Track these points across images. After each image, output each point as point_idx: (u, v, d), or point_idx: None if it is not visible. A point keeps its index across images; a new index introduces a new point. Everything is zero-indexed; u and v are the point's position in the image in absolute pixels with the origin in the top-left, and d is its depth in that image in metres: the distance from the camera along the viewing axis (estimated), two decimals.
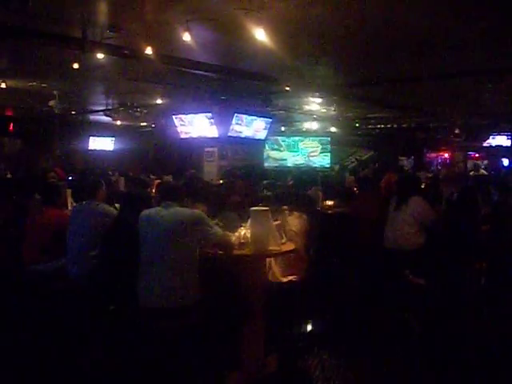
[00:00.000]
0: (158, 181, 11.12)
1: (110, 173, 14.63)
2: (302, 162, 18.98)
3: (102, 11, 6.29)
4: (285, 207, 5.34)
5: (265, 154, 17.78)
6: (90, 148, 19.95)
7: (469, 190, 7.46)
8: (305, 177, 9.42)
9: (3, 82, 10.27)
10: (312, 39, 7.35)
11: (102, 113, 16.17)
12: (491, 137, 18.72)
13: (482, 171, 16.53)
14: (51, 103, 12.89)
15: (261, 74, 9.80)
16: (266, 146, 17.42)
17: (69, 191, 7.44)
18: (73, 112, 16.14)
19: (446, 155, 21.08)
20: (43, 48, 7.70)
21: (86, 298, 4.85)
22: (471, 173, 15.93)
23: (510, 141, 18.36)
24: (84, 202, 5.52)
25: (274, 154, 18.53)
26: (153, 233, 4.04)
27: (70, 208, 6.84)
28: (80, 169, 15.66)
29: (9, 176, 13.74)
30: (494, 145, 18.92)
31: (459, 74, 9.45)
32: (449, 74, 9.61)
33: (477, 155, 20.61)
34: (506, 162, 18.48)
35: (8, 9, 5.72)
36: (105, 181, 6.13)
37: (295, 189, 7.39)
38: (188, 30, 6.36)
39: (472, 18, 6.32)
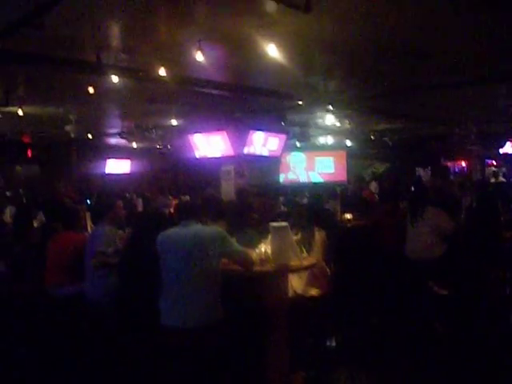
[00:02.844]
0: (176, 201, 11.16)
1: (128, 195, 14.72)
2: (319, 177, 18.98)
3: (115, 34, 6.37)
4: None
5: (284, 170, 17.81)
6: (106, 171, 20.09)
7: (488, 197, 7.39)
8: (320, 192, 9.39)
9: (20, 108, 10.38)
10: (323, 53, 7.37)
11: (117, 135, 16.28)
12: (508, 143, 18.55)
13: (501, 179, 16.37)
14: (68, 128, 13.01)
15: (274, 91, 9.83)
16: (288, 159, 17.50)
17: (88, 214, 7.50)
18: (89, 136, 16.27)
19: (463, 163, 20.91)
20: (58, 73, 7.79)
21: (105, 319, 4.86)
22: (492, 180, 15.78)
23: None
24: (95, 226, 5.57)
25: (293, 168, 18.60)
26: (174, 252, 4.02)
27: (89, 231, 6.89)
28: (97, 192, 15.76)
29: (24, 201, 13.84)
30: (511, 152, 18.74)
31: (473, 81, 9.40)
32: (462, 82, 9.56)
33: (494, 163, 20.42)
34: None
35: (23, 35, 5.80)
36: (124, 202, 6.15)
37: (311, 204, 7.35)
38: (200, 49, 6.40)
39: (484, 25, 6.30)
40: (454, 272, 6.05)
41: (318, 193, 8.59)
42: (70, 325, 5.19)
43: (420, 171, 19.71)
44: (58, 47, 6.65)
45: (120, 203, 5.82)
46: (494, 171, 17.76)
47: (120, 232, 5.51)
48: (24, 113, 10.68)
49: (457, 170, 20.98)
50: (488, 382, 4.78)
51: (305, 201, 9.52)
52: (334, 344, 5.52)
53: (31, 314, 5.52)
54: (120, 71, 7.41)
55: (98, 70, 7.05)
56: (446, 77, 9.11)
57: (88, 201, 12.33)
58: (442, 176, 11.90)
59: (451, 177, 18.30)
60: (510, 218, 7.11)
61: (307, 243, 5.12)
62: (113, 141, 17.84)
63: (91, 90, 8.31)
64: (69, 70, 7.42)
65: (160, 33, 6.23)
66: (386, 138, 18.28)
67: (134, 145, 17.90)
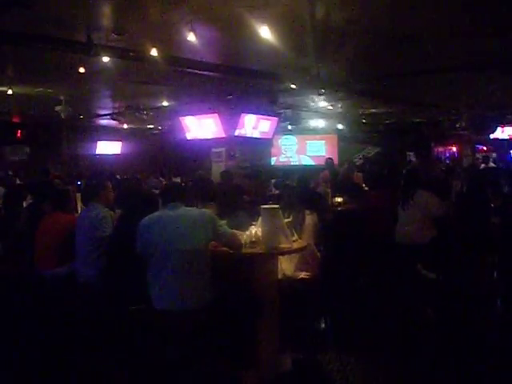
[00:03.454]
0: (167, 183, 11.15)
1: (118, 176, 14.69)
2: (310, 159, 19.04)
3: (107, 14, 6.30)
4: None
5: (275, 152, 17.86)
6: (97, 152, 20.02)
7: (478, 182, 7.43)
8: (308, 175, 9.41)
9: (9, 88, 10.29)
10: (317, 36, 7.32)
11: (108, 117, 16.19)
12: (499, 129, 18.61)
13: (492, 164, 16.45)
14: (58, 108, 12.91)
15: (266, 73, 9.78)
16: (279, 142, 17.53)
17: (78, 195, 7.48)
18: (80, 117, 16.16)
19: (454, 149, 21.00)
20: (48, 53, 7.71)
21: (97, 301, 4.86)
22: (481, 166, 15.85)
23: None
24: (87, 206, 5.53)
25: (284, 151, 18.66)
26: (162, 235, 4.00)
27: (80, 212, 6.87)
28: (88, 173, 15.72)
29: (18, 182, 13.80)
30: (501, 137, 18.82)
31: (464, 66, 9.40)
32: (454, 67, 9.56)
33: (485, 148, 20.50)
34: None
35: (13, 14, 5.74)
36: (114, 183, 6.13)
37: (298, 187, 7.35)
38: (192, 30, 6.36)
39: (476, 9, 6.29)
40: (443, 256, 6.09)
41: (306, 175, 8.60)
42: (61, 306, 5.18)
43: (412, 156, 19.72)
44: (49, 27, 6.58)
45: (109, 184, 5.79)
46: (484, 156, 17.83)
47: (111, 213, 5.50)
48: (14, 93, 10.59)
49: (448, 155, 21.06)
50: (476, 364, 4.83)
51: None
52: (322, 326, 5.55)
53: (22, 295, 5.51)
54: (111, 51, 7.34)
55: (88, 50, 6.99)
56: (438, 62, 9.10)
57: (78, 182, 12.30)
58: (422, 156, 11.91)
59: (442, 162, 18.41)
60: (499, 204, 7.14)
61: (298, 226, 5.14)
62: (104, 122, 17.76)
63: (82, 70, 8.25)
64: (59, 49, 7.33)
65: (152, 13, 6.17)
66: (376, 123, 18.31)
67: (125, 126, 17.82)
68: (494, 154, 19.08)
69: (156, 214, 4.21)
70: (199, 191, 6.20)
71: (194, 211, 4.19)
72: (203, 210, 4.37)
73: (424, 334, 5.53)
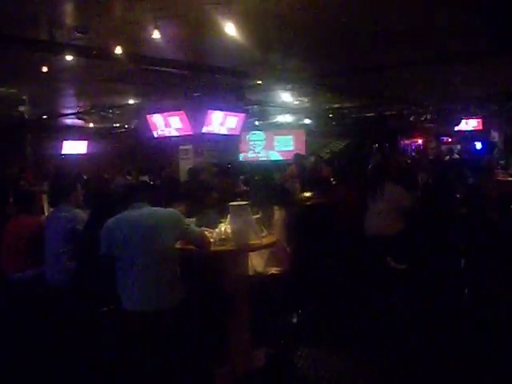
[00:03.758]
0: (135, 181, 11.05)
1: (85, 176, 14.50)
2: (278, 154, 19.09)
3: (69, 12, 6.23)
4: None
5: (243, 149, 17.87)
6: (63, 152, 19.75)
7: (443, 174, 7.54)
8: (260, 170, 9.48)
9: None
10: (282, 32, 7.35)
11: (73, 116, 15.99)
12: (463, 121, 18.93)
13: (456, 155, 16.70)
14: (21, 108, 12.72)
15: (232, 69, 9.78)
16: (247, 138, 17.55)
17: (45, 196, 7.36)
18: (44, 116, 15.93)
19: (420, 141, 21.27)
20: (10, 51, 7.58)
21: (66, 304, 4.81)
22: (446, 157, 16.09)
23: (481, 124, 18.58)
24: (56, 208, 5.44)
25: (252, 147, 18.68)
26: (129, 236, 3.94)
27: (46, 214, 6.77)
28: (53, 174, 15.49)
29: None
30: (465, 129, 19.13)
31: (429, 59, 9.52)
32: (419, 61, 9.67)
33: (450, 140, 20.81)
34: (478, 145, 18.68)
35: None
36: (81, 183, 6.06)
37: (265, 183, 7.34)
38: (157, 27, 6.32)
39: (437, 4, 6.38)
40: (412, 247, 6.17)
41: (270, 171, 8.62)
42: (30, 310, 5.11)
43: (378, 149, 19.93)
44: (10, 25, 6.47)
45: (78, 185, 5.73)
46: (448, 148, 18.13)
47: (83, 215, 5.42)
48: None
49: (413, 147, 21.32)
50: (445, 354, 4.91)
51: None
52: (294, 321, 5.58)
53: None
54: (74, 50, 7.26)
55: (51, 49, 6.89)
56: (402, 56, 9.20)
57: (45, 183, 12.11)
58: (388, 149, 12.08)
59: (408, 154, 18.65)
60: (465, 194, 7.27)
61: (267, 222, 5.14)
62: (69, 121, 17.53)
63: (45, 69, 8.13)
64: (22, 48, 7.22)
65: (116, 11, 6.12)
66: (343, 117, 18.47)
67: (91, 125, 17.63)
68: (459, 146, 19.37)
69: (121, 215, 4.14)
70: (167, 190, 6.16)
71: (160, 211, 4.13)
72: (170, 209, 4.30)
73: (396, 326, 5.60)
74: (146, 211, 4.02)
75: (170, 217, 4.06)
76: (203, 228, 4.52)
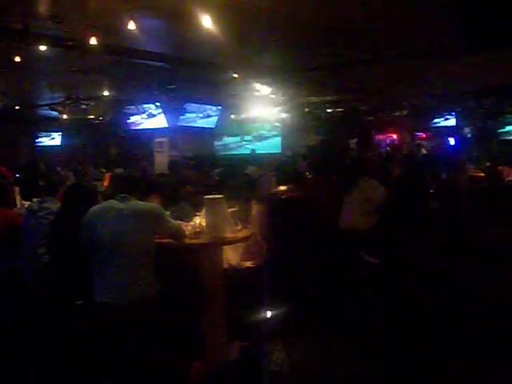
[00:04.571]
0: (109, 174, 10.99)
1: (59, 168, 14.35)
2: (253, 147, 19.08)
3: (44, 1, 6.12)
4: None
5: (219, 142, 17.83)
6: (36, 144, 19.52)
7: (414, 168, 7.63)
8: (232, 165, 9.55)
9: None
10: (258, 26, 7.34)
11: (47, 107, 15.80)
12: (438, 117, 19.12)
13: (423, 151, 16.86)
14: None
15: (208, 62, 9.75)
16: (219, 133, 17.50)
17: (17, 189, 7.27)
18: (17, 107, 15.70)
19: (394, 136, 21.43)
20: None
21: (42, 297, 4.77)
22: (422, 152, 16.27)
23: (455, 120, 18.79)
24: (37, 200, 5.37)
25: (228, 140, 18.62)
26: (110, 227, 3.93)
27: (19, 206, 6.70)
28: (26, 165, 15.29)
29: None
30: (440, 125, 19.32)
31: (405, 55, 9.60)
32: (395, 56, 9.76)
33: (424, 136, 21.00)
34: (452, 141, 18.88)
35: None
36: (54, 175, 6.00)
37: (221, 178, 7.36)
38: (133, 18, 6.27)
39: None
40: (385, 241, 6.24)
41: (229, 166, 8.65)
42: (3, 303, 5.06)
43: (353, 144, 20.04)
44: None
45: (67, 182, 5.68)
46: (417, 144, 18.36)
47: None
48: None
49: (388, 142, 21.48)
50: (416, 348, 4.98)
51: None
52: (268, 315, 5.60)
53: None
54: (48, 40, 7.16)
55: (25, 39, 6.79)
56: (378, 50, 9.26)
57: (17, 175, 11.95)
58: (363, 144, 12.18)
59: (382, 149, 18.81)
60: (437, 189, 7.36)
61: (244, 216, 5.15)
62: (42, 112, 17.31)
63: (18, 59, 8.01)
64: None
65: (91, 0, 6.04)
66: (318, 111, 18.52)
67: (65, 117, 17.42)
68: (428, 143, 19.56)
69: (102, 205, 4.13)
70: (141, 182, 6.13)
71: (144, 205, 4.10)
72: (151, 203, 4.30)
73: (367, 319, 5.65)
74: (129, 204, 4.00)
75: (152, 211, 4.06)
76: (178, 221, 4.52)
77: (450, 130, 18.87)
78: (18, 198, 7.06)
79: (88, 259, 4.00)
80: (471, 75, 11.97)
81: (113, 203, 4.05)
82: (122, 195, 4.05)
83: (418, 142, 19.31)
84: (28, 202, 6.22)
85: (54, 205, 5.13)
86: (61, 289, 4.49)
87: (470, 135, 19.07)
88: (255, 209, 5.38)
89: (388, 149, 19.09)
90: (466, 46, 8.04)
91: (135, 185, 4.30)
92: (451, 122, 18.89)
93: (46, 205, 5.18)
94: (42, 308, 4.74)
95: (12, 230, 5.20)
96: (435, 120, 19.24)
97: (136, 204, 4.05)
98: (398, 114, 18.54)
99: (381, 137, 21.65)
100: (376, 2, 6.47)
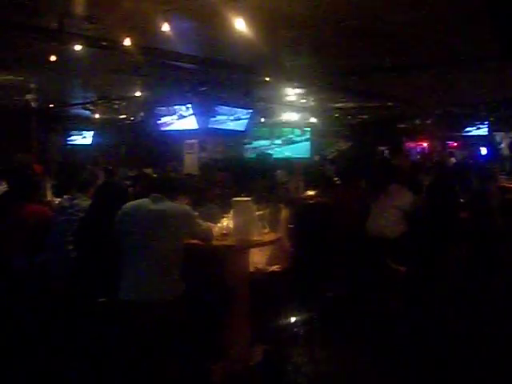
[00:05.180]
0: (139, 173, 11.07)
1: (89, 167, 14.49)
2: (283, 152, 19.05)
3: (80, 2, 6.20)
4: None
5: (248, 145, 17.85)
6: (68, 142, 19.76)
7: (444, 177, 7.53)
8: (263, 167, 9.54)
9: None
10: (290, 29, 7.33)
11: (80, 106, 15.99)
12: (470, 126, 18.87)
13: (453, 160, 16.64)
14: (28, 97, 12.71)
15: (240, 65, 9.76)
16: (249, 136, 17.51)
17: (48, 186, 7.39)
18: (50, 106, 15.92)
19: (425, 144, 21.20)
20: (19, 40, 7.58)
21: (68, 292, 4.81)
22: (452, 160, 16.06)
23: (487, 129, 18.53)
24: (68, 197, 5.44)
25: (257, 143, 18.63)
26: (140, 226, 3.96)
27: (50, 200, 6.81)
28: (58, 163, 15.48)
29: None
30: (472, 134, 19.07)
31: (438, 62, 9.51)
32: (427, 64, 9.67)
33: (455, 144, 20.75)
34: (484, 150, 18.63)
35: None
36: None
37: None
38: (167, 20, 6.31)
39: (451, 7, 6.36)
40: (413, 250, 6.17)
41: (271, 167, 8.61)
42: (30, 297, 5.12)
43: (383, 151, 19.88)
44: (19, 12, 6.47)
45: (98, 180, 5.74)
46: (448, 152, 18.13)
47: None
48: None
49: (418, 150, 21.26)
50: (443, 358, 4.92)
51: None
52: (293, 319, 5.59)
53: None
54: (83, 40, 7.24)
55: (60, 38, 6.89)
56: (411, 58, 9.18)
57: (48, 172, 12.12)
58: (394, 151, 12.04)
59: (413, 157, 18.62)
60: (468, 199, 7.26)
61: (273, 219, 5.15)
62: (75, 111, 17.53)
63: (53, 58, 8.12)
64: (30, 37, 7.21)
65: (126, 2, 6.10)
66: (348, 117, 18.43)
67: (97, 116, 17.62)
68: (459, 151, 19.31)
69: (135, 203, 4.16)
70: (171, 183, 6.16)
71: (175, 206, 4.12)
72: (183, 205, 4.31)
73: (395, 326, 5.60)
74: (162, 204, 4.03)
75: (183, 213, 4.09)
76: (208, 223, 4.54)
77: (482, 139, 18.61)
78: (49, 194, 7.16)
79: (118, 256, 4.04)
80: (505, 83, 11.80)
81: (145, 202, 4.09)
82: (156, 195, 4.08)
83: (449, 150, 19.07)
84: (59, 199, 6.33)
85: (84, 202, 5.19)
86: (86, 285, 4.52)
87: (502, 145, 18.77)
88: (284, 213, 5.37)
89: (418, 157, 18.90)
90: (500, 54, 7.93)
91: (166, 185, 4.33)
92: (483, 130, 18.62)
93: (76, 202, 5.24)
94: (67, 304, 4.79)
95: (43, 226, 5.26)
96: (467, 129, 18.99)
97: (168, 205, 4.07)
98: (429, 121, 18.34)
99: (411, 144, 21.44)
100: (408, 8, 6.41)
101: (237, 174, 9.26)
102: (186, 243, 4.14)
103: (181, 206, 4.24)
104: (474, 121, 18.53)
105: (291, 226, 5.47)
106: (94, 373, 4.38)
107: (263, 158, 11.68)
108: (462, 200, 7.14)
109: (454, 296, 6.00)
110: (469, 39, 7.81)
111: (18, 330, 5.06)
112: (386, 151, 17.81)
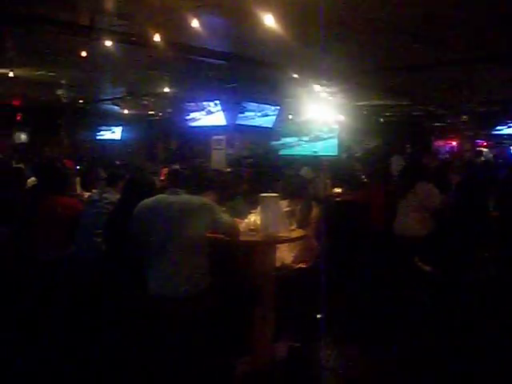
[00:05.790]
0: (166, 169, 11.12)
1: (118, 162, 14.64)
2: (310, 148, 18.95)
3: None
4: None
5: (276, 142, 17.81)
6: (97, 137, 19.99)
7: (474, 176, 7.44)
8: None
9: (11, 70, 10.26)
10: (321, 26, 7.30)
11: (109, 102, 16.15)
12: (500, 125, 18.60)
13: (482, 158, 16.40)
14: (59, 92, 12.88)
15: (269, 61, 9.76)
16: (277, 133, 17.48)
17: (78, 180, 7.49)
18: (80, 101, 16.12)
19: (454, 143, 20.95)
20: (51, 36, 7.68)
21: (96, 285, 4.87)
22: (481, 159, 15.84)
23: None
24: (98, 191, 5.52)
25: (285, 140, 18.56)
26: (162, 220, 3.98)
27: (79, 193, 6.91)
28: (88, 158, 15.67)
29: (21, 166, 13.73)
30: (502, 133, 18.80)
31: (468, 60, 9.40)
32: (458, 61, 9.55)
33: (485, 143, 20.47)
34: None
35: None
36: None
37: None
38: (196, 16, 6.34)
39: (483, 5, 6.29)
40: (440, 249, 6.10)
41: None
42: (60, 288, 5.19)
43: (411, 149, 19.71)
44: (51, 8, 6.56)
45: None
46: (478, 151, 17.88)
47: None
48: (15, 75, 10.55)
49: (447, 149, 21.03)
50: (470, 357, 4.86)
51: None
52: (319, 316, 5.58)
53: (22, 277, 5.50)
54: (113, 36, 7.32)
55: (91, 34, 6.97)
56: (440, 55, 9.09)
57: (77, 167, 12.27)
58: (422, 149, 11.94)
59: (441, 156, 18.42)
60: (498, 198, 7.16)
61: (304, 216, 5.15)
62: (104, 107, 17.71)
63: (84, 53, 8.22)
64: (62, 32, 7.31)
65: None
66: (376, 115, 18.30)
67: (126, 111, 17.79)
68: (486, 150, 19.03)
69: (153, 198, 4.18)
70: (197, 178, 6.20)
71: (194, 199, 4.13)
72: (203, 199, 4.32)
73: (420, 324, 5.56)
74: (181, 198, 4.05)
75: (203, 206, 4.07)
76: (234, 218, 4.54)
77: None
78: (78, 188, 7.26)
79: (140, 251, 4.07)
80: None
81: (163, 197, 4.11)
82: (173, 189, 4.11)
83: (479, 149, 18.81)
84: (88, 193, 6.41)
85: (113, 196, 5.25)
86: (114, 277, 4.58)
87: None
88: (315, 211, 5.36)
89: (447, 155, 18.70)
90: None
91: (189, 180, 4.35)
92: None
93: (106, 195, 5.32)
94: (95, 295, 4.85)
95: (73, 218, 5.34)
96: (498, 127, 18.71)
97: (187, 198, 4.08)
98: (459, 120, 18.12)
99: (440, 143, 21.21)
100: (443, 7, 6.34)
101: (264, 171, 9.28)
102: (213, 236, 4.14)
103: (199, 198, 4.23)
104: (505, 119, 18.25)
105: (318, 223, 5.46)
106: (122, 365, 4.43)
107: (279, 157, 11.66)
108: (491, 199, 7.04)
109: (482, 298, 5.92)
110: (501, 37, 7.70)
111: (45, 321, 5.15)
112: (414, 149, 17.69)
